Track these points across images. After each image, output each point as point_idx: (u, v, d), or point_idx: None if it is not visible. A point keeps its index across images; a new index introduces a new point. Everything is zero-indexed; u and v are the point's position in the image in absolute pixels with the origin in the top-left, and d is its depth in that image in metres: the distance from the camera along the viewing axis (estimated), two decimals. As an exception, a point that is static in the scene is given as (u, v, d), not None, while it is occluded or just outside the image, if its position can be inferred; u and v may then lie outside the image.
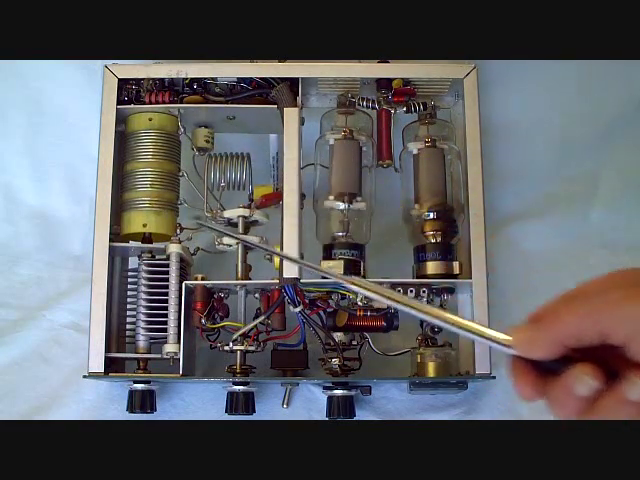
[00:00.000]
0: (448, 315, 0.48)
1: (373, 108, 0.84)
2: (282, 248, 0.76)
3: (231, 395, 0.78)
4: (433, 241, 0.79)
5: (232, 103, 0.82)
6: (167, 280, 0.78)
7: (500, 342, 0.46)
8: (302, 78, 0.82)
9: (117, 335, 0.81)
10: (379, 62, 0.83)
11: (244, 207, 0.81)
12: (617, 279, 0.46)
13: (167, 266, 0.78)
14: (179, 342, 0.77)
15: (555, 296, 0.46)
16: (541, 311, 0.47)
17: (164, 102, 0.81)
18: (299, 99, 0.81)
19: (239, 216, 0.81)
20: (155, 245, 0.80)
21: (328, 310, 0.78)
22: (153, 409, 0.78)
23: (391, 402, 0.83)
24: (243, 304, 0.79)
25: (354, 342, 0.79)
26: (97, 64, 0.86)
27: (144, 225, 0.80)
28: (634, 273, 0.46)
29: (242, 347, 0.77)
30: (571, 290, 0.46)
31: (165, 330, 0.77)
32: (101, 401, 0.83)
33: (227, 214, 0.81)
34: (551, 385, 0.46)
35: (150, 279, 0.79)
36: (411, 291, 0.76)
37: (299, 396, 0.83)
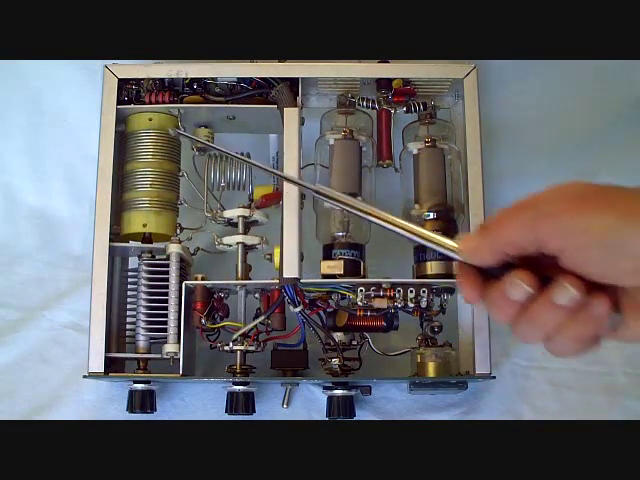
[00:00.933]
0: (399, 220, 0.51)
1: (373, 108, 0.84)
2: (282, 248, 0.76)
3: (231, 395, 0.78)
4: (433, 241, 0.79)
5: (232, 103, 0.82)
6: (167, 280, 0.78)
7: (448, 247, 0.50)
8: (302, 78, 0.82)
9: (117, 335, 0.81)
10: (379, 62, 0.83)
11: (244, 207, 0.81)
12: (563, 191, 0.47)
13: (167, 266, 0.78)
14: (179, 342, 0.77)
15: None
16: (489, 221, 0.49)
17: (164, 102, 0.81)
18: (299, 99, 0.81)
19: (239, 216, 0.81)
20: (155, 245, 0.80)
21: (328, 310, 0.78)
22: (153, 409, 0.78)
23: (391, 402, 0.83)
24: (243, 304, 0.79)
25: (354, 342, 0.79)
26: (97, 64, 0.86)
27: (144, 225, 0.80)
28: (580, 186, 0.47)
29: (242, 347, 0.77)
30: (521, 200, 0.48)
31: (165, 330, 0.77)
32: (101, 401, 0.83)
33: (227, 214, 0.81)
34: (491, 290, 0.49)
35: (150, 279, 0.79)
36: (411, 291, 0.76)
37: (299, 396, 0.83)
